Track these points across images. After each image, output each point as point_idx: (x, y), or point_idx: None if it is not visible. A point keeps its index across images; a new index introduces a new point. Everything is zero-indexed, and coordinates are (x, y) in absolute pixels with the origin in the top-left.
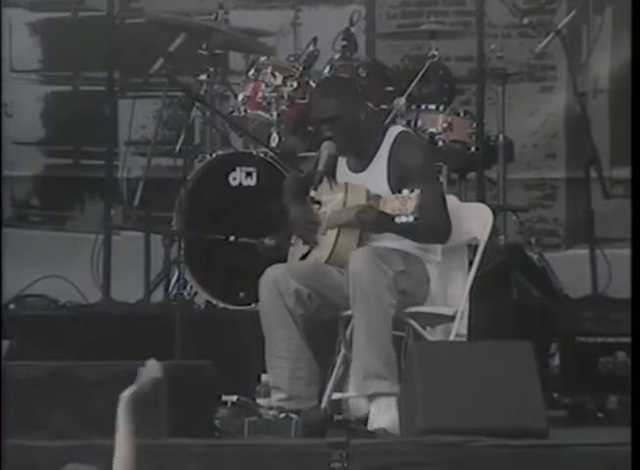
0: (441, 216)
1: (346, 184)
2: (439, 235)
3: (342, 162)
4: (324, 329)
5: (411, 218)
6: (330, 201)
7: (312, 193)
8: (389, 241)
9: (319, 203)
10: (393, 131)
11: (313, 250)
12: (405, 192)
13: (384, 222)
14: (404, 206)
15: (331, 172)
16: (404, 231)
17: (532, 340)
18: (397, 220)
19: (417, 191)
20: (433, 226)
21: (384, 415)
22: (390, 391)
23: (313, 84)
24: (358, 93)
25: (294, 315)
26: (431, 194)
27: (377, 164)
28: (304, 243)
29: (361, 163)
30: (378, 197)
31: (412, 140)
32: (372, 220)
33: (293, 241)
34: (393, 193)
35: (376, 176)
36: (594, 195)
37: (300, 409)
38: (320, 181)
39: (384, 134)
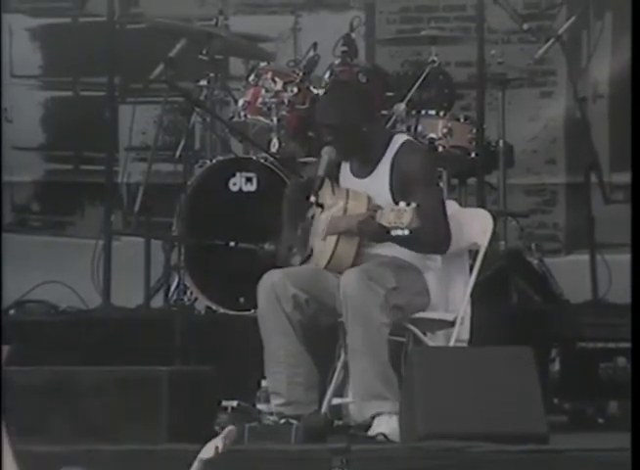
0: (441, 228)
1: (348, 190)
2: (439, 246)
3: (345, 166)
4: (323, 334)
5: (406, 232)
6: (332, 205)
7: (312, 198)
8: (388, 249)
9: (321, 206)
10: (398, 139)
11: (313, 255)
12: (402, 204)
13: (382, 234)
14: (400, 219)
15: (333, 176)
16: (403, 242)
17: (532, 345)
18: (393, 233)
19: (413, 204)
20: (432, 238)
21: (384, 423)
22: (392, 410)
23: (314, 90)
24: (362, 101)
25: (291, 321)
26: (431, 205)
27: (380, 172)
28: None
29: (365, 168)
30: (378, 207)
31: (416, 150)
32: (371, 232)
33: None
34: (395, 201)
35: (378, 183)
36: (594, 200)
37: (300, 415)
38: (320, 186)
39: (388, 142)
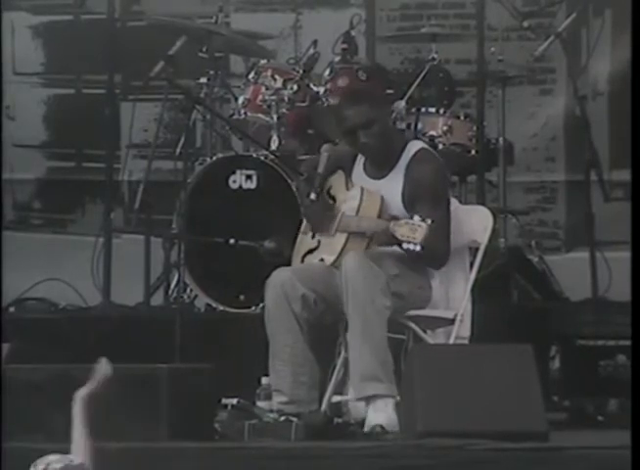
0: (442, 246)
1: (362, 189)
2: (436, 263)
3: (358, 165)
4: (326, 332)
5: (418, 248)
6: (344, 201)
7: (313, 195)
8: (394, 247)
9: (334, 199)
10: (414, 146)
11: (320, 247)
12: (416, 219)
13: (391, 245)
14: (413, 233)
15: (348, 172)
16: (407, 252)
17: (532, 343)
18: (404, 246)
19: (428, 221)
20: (432, 254)
21: (380, 414)
22: (387, 393)
23: (313, 87)
24: (385, 100)
25: (299, 320)
26: (437, 221)
27: (394, 177)
28: (315, 232)
29: (379, 171)
30: (392, 217)
31: (430, 160)
32: (381, 242)
33: (302, 230)
34: (406, 208)
35: (392, 188)
36: (594, 198)
37: (301, 413)
38: (320, 184)
39: (403, 147)
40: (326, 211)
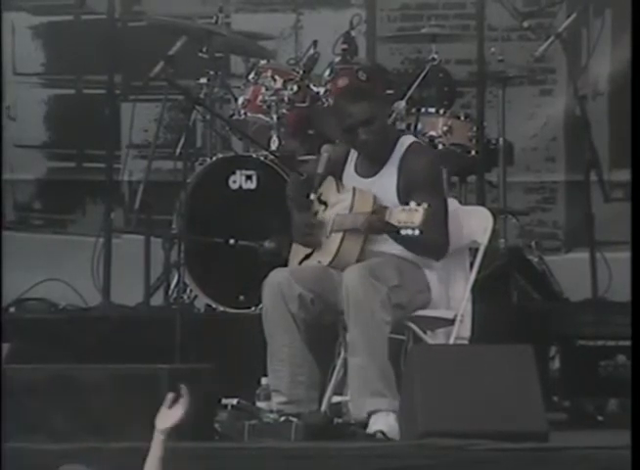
0: (441, 234)
1: (354, 189)
2: (436, 252)
3: (350, 165)
4: (325, 332)
5: (417, 232)
6: (336, 203)
7: (312, 196)
8: (392, 246)
9: (325, 204)
10: (406, 140)
11: (316, 251)
12: (412, 204)
13: (389, 233)
14: (411, 218)
15: (338, 174)
16: (406, 243)
17: (533, 343)
18: (403, 232)
19: (424, 205)
20: (431, 242)
21: (382, 420)
22: (389, 408)
23: (313, 88)
24: (383, 97)
25: (296, 320)
26: (435, 209)
27: (387, 172)
28: (305, 246)
29: (371, 168)
30: (384, 208)
31: (423, 152)
32: (378, 230)
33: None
34: (401, 202)
35: (385, 184)
36: (594, 198)
37: (300, 413)
38: (320, 184)
39: (395, 142)
40: (311, 225)
